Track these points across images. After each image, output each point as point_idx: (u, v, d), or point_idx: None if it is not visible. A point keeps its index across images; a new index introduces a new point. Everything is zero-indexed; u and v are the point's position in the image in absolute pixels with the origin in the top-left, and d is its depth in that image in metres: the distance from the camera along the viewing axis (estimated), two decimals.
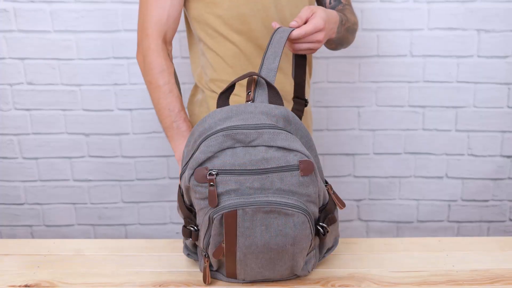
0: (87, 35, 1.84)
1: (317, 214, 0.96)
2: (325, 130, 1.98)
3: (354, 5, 1.82)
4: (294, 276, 1.02)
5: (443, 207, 2.07)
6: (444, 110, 1.96)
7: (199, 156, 0.88)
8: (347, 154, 2.02)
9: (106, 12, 1.82)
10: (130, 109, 1.93)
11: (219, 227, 0.89)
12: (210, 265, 1.00)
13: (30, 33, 1.83)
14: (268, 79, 0.95)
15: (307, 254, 0.99)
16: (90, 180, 2.01)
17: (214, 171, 0.87)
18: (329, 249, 1.07)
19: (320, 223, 0.97)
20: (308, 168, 0.88)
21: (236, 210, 0.87)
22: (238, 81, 0.95)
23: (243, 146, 0.88)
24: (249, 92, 0.95)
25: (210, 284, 1.01)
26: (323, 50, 1.87)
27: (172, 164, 1.99)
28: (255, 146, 0.88)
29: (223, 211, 0.87)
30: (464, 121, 1.97)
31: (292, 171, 0.88)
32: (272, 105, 0.92)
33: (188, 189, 0.93)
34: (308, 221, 0.91)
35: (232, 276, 0.98)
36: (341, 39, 1.25)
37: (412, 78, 1.92)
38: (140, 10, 1.18)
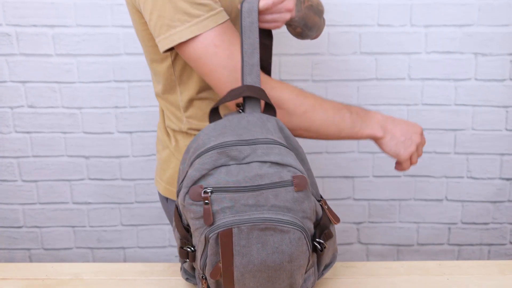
0: (89, 59, 1.86)
1: (312, 230, 0.94)
2: (324, 153, 1.99)
3: (353, 29, 1.85)
4: None
5: (443, 230, 2.07)
6: (442, 133, 1.97)
7: (194, 174, 0.86)
8: (346, 177, 2.02)
9: (108, 36, 1.84)
10: (130, 132, 1.94)
11: (215, 247, 0.87)
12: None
13: (32, 56, 1.85)
14: (252, 79, 0.91)
15: (306, 272, 0.96)
16: (89, 203, 2.01)
17: (209, 189, 0.85)
18: (327, 266, 1.04)
19: (317, 239, 0.94)
20: (302, 183, 0.87)
21: (232, 228, 0.85)
22: (230, 100, 0.92)
23: (237, 164, 0.86)
24: (239, 105, 0.94)
25: None
26: (322, 73, 1.89)
27: None
28: (248, 162, 0.86)
29: (218, 230, 0.85)
30: (463, 143, 1.97)
31: (286, 187, 0.86)
32: (264, 116, 0.91)
33: (183, 207, 0.91)
34: (305, 237, 0.89)
35: None
36: (305, 19, 1.12)
37: (411, 101, 1.94)
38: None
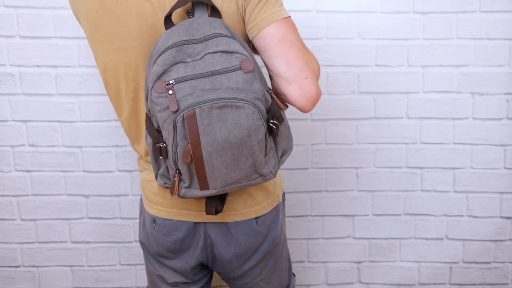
0: (90, 98, 1.88)
1: (265, 111, 1.03)
2: (324, 192, 1.99)
3: (351, 69, 1.88)
4: (260, 178, 1.06)
5: (445, 269, 2.05)
6: (441, 171, 1.97)
7: (157, 69, 0.98)
8: (346, 216, 2.01)
9: None
10: (130, 171, 1.94)
11: (183, 130, 0.97)
12: (182, 181, 1.05)
13: (34, 96, 1.87)
14: None
15: (266, 154, 1.06)
16: (88, 242, 2.00)
17: (171, 81, 0.97)
18: (285, 152, 1.13)
19: (271, 121, 1.05)
20: (248, 66, 0.98)
21: (194, 109, 0.96)
22: (182, 5, 1.01)
23: (193, 60, 0.99)
24: (189, 13, 1.05)
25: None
26: (321, 112, 1.91)
27: None
28: (202, 56, 0.99)
29: (183, 113, 0.96)
30: (462, 182, 1.98)
31: (236, 71, 0.98)
32: (212, 18, 1.02)
33: (152, 108, 1.02)
34: (258, 112, 0.99)
35: (204, 186, 1.03)
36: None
37: (409, 140, 1.95)
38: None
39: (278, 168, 1.11)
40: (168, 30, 1.01)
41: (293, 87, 1.06)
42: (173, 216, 1.22)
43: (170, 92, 0.97)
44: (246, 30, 1.10)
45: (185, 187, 1.05)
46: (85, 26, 1.14)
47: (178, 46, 0.98)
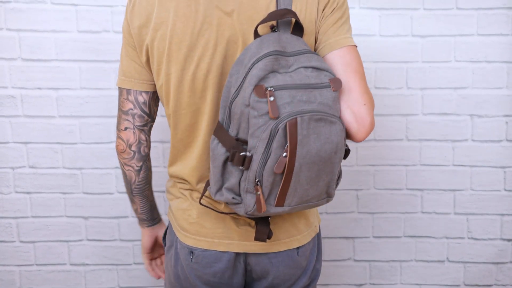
0: (91, 120, 1.89)
1: None
2: (324, 214, 1.98)
3: None
4: (326, 198, 1.08)
5: None
6: (442, 193, 1.97)
7: (259, 73, 0.97)
8: (346, 238, 2.01)
9: (111, 98, 1.87)
10: None
11: (282, 138, 0.96)
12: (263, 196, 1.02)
13: (35, 118, 1.88)
14: (285, 3, 1.05)
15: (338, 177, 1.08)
16: (86, 264, 1.98)
17: (271, 88, 0.97)
18: (340, 176, 1.11)
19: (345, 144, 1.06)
20: (337, 84, 1.01)
21: (297, 117, 0.95)
22: (273, 19, 1.03)
23: (285, 72, 1.00)
24: (273, 27, 1.06)
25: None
26: None
27: None
28: (295, 69, 1.00)
29: (286, 120, 0.95)
30: (463, 204, 1.97)
31: (327, 88, 1.01)
32: (295, 36, 1.05)
33: (242, 113, 0.99)
34: (344, 131, 1.02)
35: (280, 203, 1.02)
36: None
37: (409, 162, 1.95)
38: None
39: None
40: (259, 39, 1.03)
41: (349, 112, 1.05)
42: (214, 246, 1.17)
43: (272, 98, 0.96)
44: (315, 48, 1.13)
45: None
46: (152, 35, 1.11)
47: (275, 55, 0.99)
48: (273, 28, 1.06)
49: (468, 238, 2.00)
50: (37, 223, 1.95)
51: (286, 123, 0.95)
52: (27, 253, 1.97)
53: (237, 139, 1.01)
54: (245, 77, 0.99)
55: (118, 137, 1.21)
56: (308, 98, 0.98)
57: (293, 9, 1.07)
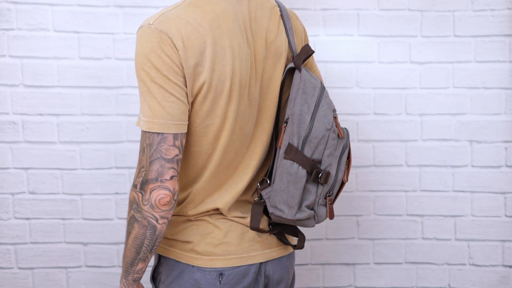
0: (91, 146, 1.90)
1: None
2: (324, 239, 1.98)
3: (350, 117, 1.91)
4: None
5: None
6: (442, 219, 1.96)
7: (330, 101, 1.18)
8: (347, 264, 1.99)
9: (111, 124, 1.88)
10: None
11: (347, 153, 1.20)
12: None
13: (36, 144, 1.88)
14: (292, 39, 1.20)
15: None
16: None
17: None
18: None
19: None
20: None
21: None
22: (307, 54, 1.20)
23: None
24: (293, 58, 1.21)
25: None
26: None
27: None
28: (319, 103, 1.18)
29: (347, 139, 1.21)
30: (463, 230, 1.97)
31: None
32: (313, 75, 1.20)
33: (323, 137, 1.13)
34: None
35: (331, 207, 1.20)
36: None
37: (409, 187, 1.95)
38: None
39: None
40: (304, 70, 1.18)
41: None
42: (243, 261, 1.17)
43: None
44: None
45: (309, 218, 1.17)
46: (209, 74, 1.06)
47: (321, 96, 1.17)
48: (292, 60, 1.20)
49: (470, 264, 1.98)
50: (36, 249, 1.94)
51: (348, 141, 1.19)
52: (25, 280, 1.95)
53: (313, 160, 1.13)
54: (317, 105, 1.14)
55: (162, 188, 1.04)
56: None
57: (296, 42, 1.24)
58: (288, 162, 1.11)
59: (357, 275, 2.00)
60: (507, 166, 1.93)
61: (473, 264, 1.98)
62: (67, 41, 1.85)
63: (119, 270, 1.96)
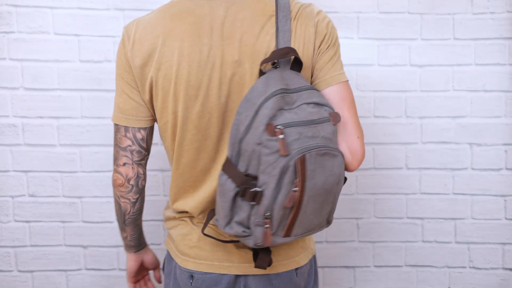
0: (91, 149, 1.90)
1: None
2: (324, 242, 1.97)
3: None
4: (326, 225, 1.13)
5: None
6: (442, 222, 1.96)
7: (269, 112, 1.01)
8: (347, 267, 1.99)
9: (111, 127, 1.88)
10: None
11: (293, 174, 1.00)
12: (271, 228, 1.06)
13: (36, 146, 1.88)
14: (284, 41, 1.10)
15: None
16: None
17: (280, 126, 1.00)
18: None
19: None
20: (336, 118, 1.07)
21: (305, 154, 1.00)
22: (278, 58, 1.06)
23: (290, 109, 1.04)
24: (274, 63, 1.09)
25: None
26: None
27: None
28: (299, 105, 1.04)
29: (295, 157, 0.99)
30: (463, 232, 1.97)
31: (328, 122, 1.06)
32: (294, 72, 1.09)
33: (253, 151, 1.02)
34: (344, 162, 1.08)
35: (288, 233, 1.06)
36: None
37: (409, 190, 1.95)
38: None
39: None
40: (264, 77, 1.06)
41: (344, 145, 1.12)
42: (214, 269, 1.19)
43: (281, 136, 1.00)
44: (311, 82, 1.17)
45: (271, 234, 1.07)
46: (155, 74, 1.13)
47: (281, 93, 1.03)
48: (274, 65, 1.09)
49: (470, 267, 1.98)
50: (36, 252, 1.94)
51: (296, 160, 0.99)
52: (25, 283, 1.95)
53: (247, 175, 1.04)
54: (254, 116, 1.02)
55: (116, 171, 1.23)
56: (313, 134, 1.03)
57: (292, 45, 1.11)
58: (221, 172, 1.06)
59: (357, 278, 2.00)
60: (507, 168, 1.93)
61: (473, 267, 1.98)
62: (68, 44, 1.85)
63: (119, 273, 1.96)
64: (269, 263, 1.12)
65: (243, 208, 1.05)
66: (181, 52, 1.11)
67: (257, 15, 1.12)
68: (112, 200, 1.92)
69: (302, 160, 0.99)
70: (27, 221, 1.92)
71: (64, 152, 1.89)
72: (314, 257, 1.30)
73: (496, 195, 1.95)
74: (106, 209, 1.92)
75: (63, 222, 1.93)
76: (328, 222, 1.14)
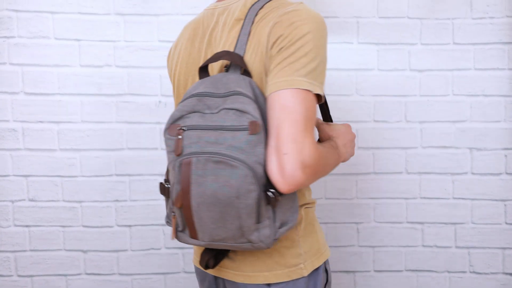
0: (91, 153, 1.90)
1: (265, 178, 1.00)
2: None
3: (350, 125, 1.90)
4: (249, 244, 1.03)
5: None
6: (442, 227, 1.96)
7: (175, 114, 1.04)
8: (347, 272, 1.99)
9: (111, 131, 1.89)
10: (129, 226, 1.93)
11: (178, 175, 1.00)
12: (178, 225, 1.07)
13: (36, 151, 1.89)
14: (241, 45, 1.08)
15: (260, 222, 1.01)
16: None
17: (184, 127, 1.02)
18: (284, 224, 1.06)
19: (270, 190, 1.00)
20: (255, 128, 0.98)
21: (191, 158, 0.99)
22: (213, 61, 1.08)
23: (211, 113, 1.02)
24: (226, 66, 1.10)
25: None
26: None
27: (169, 282, 1.95)
28: (219, 110, 1.01)
29: (181, 158, 1.00)
30: (464, 237, 1.96)
31: (243, 131, 0.98)
32: (241, 76, 1.04)
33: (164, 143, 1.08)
34: (252, 177, 0.97)
35: (194, 235, 1.05)
36: None
37: (409, 195, 1.95)
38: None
39: (274, 239, 1.04)
40: (201, 80, 1.07)
41: (273, 159, 0.99)
42: (198, 265, 1.26)
43: (180, 136, 1.02)
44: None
45: (179, 231, 1.08)
46: (170, 75, 1.29)
47: (200, 96, 1.03)
48: (225, 68, 1.10)
49: (470, 272, 1.98)
50: (36, 257, 1.93)
51: (180, 161, 1.00)
52: None
53: (168, 170, 1.09)
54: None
55: None
56: (216, 140, 0.99)
57: (247, 48, 1.08)
58: None
59: (358, 283, 1.99)
60: (507, 173, 1.93)
61: (474, 272, 1.98)
62: (68, 49, 1.86)
63: (119, 278, 1.95)
64: (208, 264, 1.13)
65: (167, 202, 1.12)
66: (179, 55, 1.22)
67: (233, 20, 1.12)
68: (112, 205, 1.92)
69: (187, 163, 0.99)
70: (27, 226, 1.92)
71: (64, 156, 1.89)
72: (305, 280, 1.15)
73: (496, 200, 1.95)
74: (106, 214, 1.92)
75: (63, 226, 1.93)
76: (250, 241, 1.02)
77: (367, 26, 1.90)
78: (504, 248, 1.96)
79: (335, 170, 1.93)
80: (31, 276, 1.94)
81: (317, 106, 1.08)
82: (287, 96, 1.00)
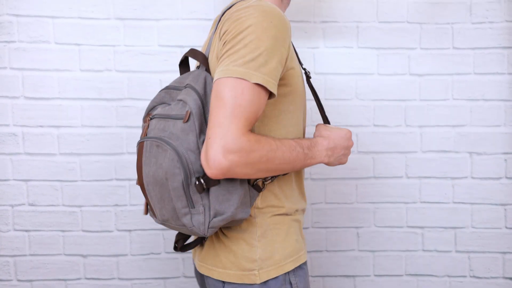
0: (91, 158, 1.90)
1: (196, 165, 1.03)
2: (324, 251, 1.97)
3: (350, 129, 1.89)
4: (184, 227, 1.07)
5: None
6: (442, 231, 1.96)
7: (150, 104, 1.20)
8: (347, 276, 1.99)
9: (111, 136, 1.89)
10: (129, 230, 1.93)
11: (136, 156, 1.16)
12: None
13: (36, 155, 1.88)
14: (207, 46, 1.18)
15: (193, 207, 1.04)
16: None
17: (152, 116, 1.15)
18: (217, 215, 1.05)
19: (199, 176, 1.03)
20: (186, 116, 1.05)
21: (143, 142, 1.12)
22: (181, 59, 1.24)
23: (174, 104, 1.11)
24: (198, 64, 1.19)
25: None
26: (321, 171, 1.92)
27: (169, 286, 1.95)
28: (175, 101, 1.12)
29: (138, 141, 1.16)
30: (464, 242, 1.96)
31: (180, 119, 1.06)
32: (204, 73, 1.10)
33: None
34: (178, 161, 1.02)
35: (153, 213, 1.16)
36: None
37: (409, 199, 1.95)
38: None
39: (210, 228, 1.05)
40: (180, 76, 1.20)
41: (204, 145, 1.01)
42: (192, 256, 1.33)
43: (146, 124, 1.16)
44: None
45: (150, 209, 1.18)
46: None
47: (169, 89, 1.18)
48: (197, 66, 1.20)
49: (470, 276, 1.98)
50: (35, 262, 1.93)
51: (137, 144, 1.15)
52: None
53: None
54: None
55: None
56: (163, 127, 1.09)
57: (212, 48, 1.14)
58: None
59: (358, 287, 1.99)
60: (507, 177, 1.93)
61: (474, 276, 1.98)
62: (68, 53, 1.86)
63: (119, 283, 1.95)
64: (175, 246, 1.20)
65: None
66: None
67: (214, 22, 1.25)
68: (112, 209, 1.92)
69: (140, 146, 1.13)
70: (26, 230, 1.92)
71: (64, 161, 1.89)
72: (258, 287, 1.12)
73: (496, 204, 1.95)
74: (106, 218, 1.92)
75: (63, 231, 1.92)
76: (183, 224, 1.05)
77: (367, 31, 1.91)
78: (504, 253, 1.96)
79: (335, 175, 1.93)
80: (31, 280, 1.94)
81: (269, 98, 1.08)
82: (219, 85, 1.01)
